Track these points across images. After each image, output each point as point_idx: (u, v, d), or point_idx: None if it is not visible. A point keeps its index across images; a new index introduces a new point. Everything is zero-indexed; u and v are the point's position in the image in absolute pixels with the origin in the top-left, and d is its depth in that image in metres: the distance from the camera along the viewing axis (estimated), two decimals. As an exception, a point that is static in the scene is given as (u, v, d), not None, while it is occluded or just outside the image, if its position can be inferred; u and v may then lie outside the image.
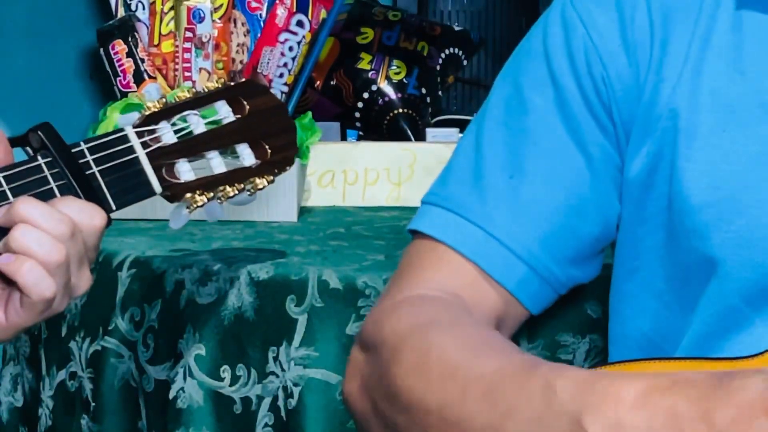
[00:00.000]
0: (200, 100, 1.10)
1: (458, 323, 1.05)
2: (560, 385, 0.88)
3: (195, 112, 1.11)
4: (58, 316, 1.37)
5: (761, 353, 0.90)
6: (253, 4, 1.84)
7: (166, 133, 1.10)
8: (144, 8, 1.85)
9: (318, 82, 2.09)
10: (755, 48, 1.07)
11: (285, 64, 1.88)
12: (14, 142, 1.05)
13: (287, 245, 1.68)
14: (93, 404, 1.63)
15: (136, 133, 1.09)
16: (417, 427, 1.01)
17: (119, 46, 1.83)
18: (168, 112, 1.10)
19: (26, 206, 1.01)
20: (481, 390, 0.95)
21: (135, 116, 1.10)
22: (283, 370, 1.51)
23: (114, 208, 1.07)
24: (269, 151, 1.16)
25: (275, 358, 1.50)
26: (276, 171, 1.17)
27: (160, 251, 1.64)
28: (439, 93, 2.11)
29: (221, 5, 1.81)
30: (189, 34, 1.82)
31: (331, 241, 1.73)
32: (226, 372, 1.50)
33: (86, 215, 1.03)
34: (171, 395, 1.51)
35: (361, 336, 1.11)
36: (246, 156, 1.14)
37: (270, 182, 1.16)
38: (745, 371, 0.87)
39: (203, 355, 1.50)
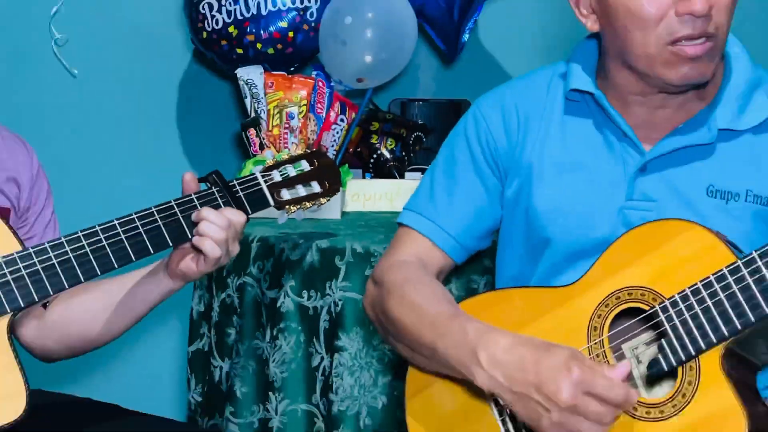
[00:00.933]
0: (293, 159, 1.51)
1: (420, 281, 1.35)
2: (468, 328, 1.22)
3: (290, 165, 1.50)
4: (221, 267, 1.59)
5: (570, 284, 1.28)
6: (318, 109, 2.16)
7: (276, 176, 1.48)
8: (264, 112, 2.15)
9: (351, 149, 2.33)
10: (572, 135, 1.38)
11: (335, 140, 2.22)
12: (200, 180, 1.43)
13: (335, 230, 1.99)
14: (238, 310, 1.97)
15: (261, 175, 1.46)
16: (398, 333, 1.35)
17: (252, 131, 2.13)
18: (277, 165, 1.49)
19: (206, 211, 1.36)
20: (429, 321, 1.27)
21: (260, 167, 1.50)
22: (333, 292, 1.84)
23: (250, 213, 1.42)
24: (327, 184, 1.52)
25: (330, 287, 1.84)
26: (330, 195, 1.53)
27: (272, 233, 1.96)
28: (411, 155, 2.34)
29: (302, 111, 2.12)
30: (286, 125, 2.12)
31: (357, 228, 2.01)
32: (304, 294, 1.86)
33: (236, 216, 1.37)
34: (278, 305, 1.87)
35: (372, 277, 1.44)
36: (315, 187, 1.51)
37: (327, 201, 1.53)
38: (560, 345, 1.16)
39: (294, 285, 1.86)
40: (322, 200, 1.51)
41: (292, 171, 1.48)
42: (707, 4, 1.20)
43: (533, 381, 1.14)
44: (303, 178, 1.49)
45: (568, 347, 1.17)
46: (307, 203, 1.50)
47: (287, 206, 1.48)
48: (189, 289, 2.03)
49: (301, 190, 1.49)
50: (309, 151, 1.52)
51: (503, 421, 1.28)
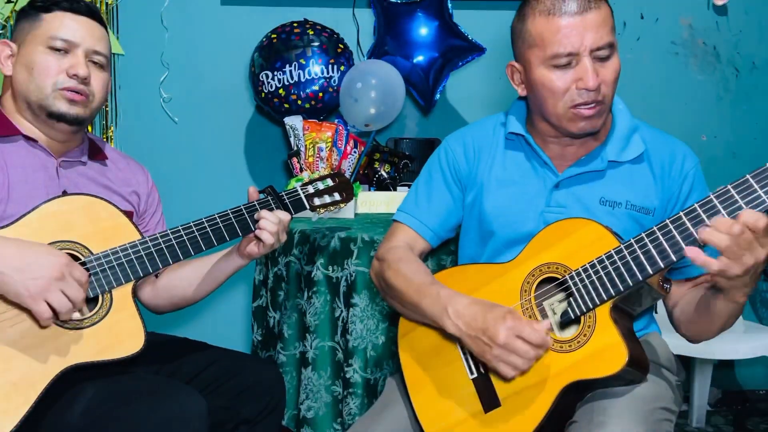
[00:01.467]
0: (321, 177, 1.53)
1: (409, 259, 1.37)
2: (441, 293, 1.25)
3: (320, 182, 1.51)
4: (274, 250, 1.69)
5: (508, 261, 1.29)
6: (339, 144, 2.14)
7: (310, 189, 1.49)
8: (303, 146, 2.14)
9: (361, 171, 2.28)
10: (510, 162, 1.39)
11: (350, 166, 2.19)
12: (260, 192, 1.43)
13: (350, 225, 1.96)
14: (286, 279, 1.95)
15: (300, 188, 1.48)
16: (393, 295, 1.36)
17: (294, 160, 2.13)
18: (311, 181, 1.51)
19: (264, 212, 1.34)
20: (414, 287, 1.29)
21: (300, 183, 1.50)
22: (349, 267, 1.81)
23: (293, 213, 1.44)
24: (345, 194, 1.53)
25: (347, 263, 1.81)
26: (347, 201, 1.55)
27: (308, 227, 1.95)
28: (401, 175, 2.29)
29: (328, 145, 2.10)
30: (318, 155, 2.11)
31: (365, 224, 1.98)
32: (330, 268, 1.83)
33: (284, 215, 1.37)
34: (312, 276, 1.85)
35: (376, 256, 1.44)
36: (337, 196, 1.52)
37: (345, 205, 1.55)
38: (502, 306, 1.17)
39: (323, 262, 1.83)
40: (342, 205, 1.52)
41: (321, 185, 1.49)
42: (597, 82, 1.21)
43: (481, 327, 1.15)
44: (328, 191, 1.50)
45: (507, 306, 1.18)
46: (331, 207, 1.51)
47: (318, 209, 1.49)
48: (252, 265, 2.00)
49: (327, 199, 1.49)
50: (332, 172, 1.54)
51: (463, 353, 1.28)
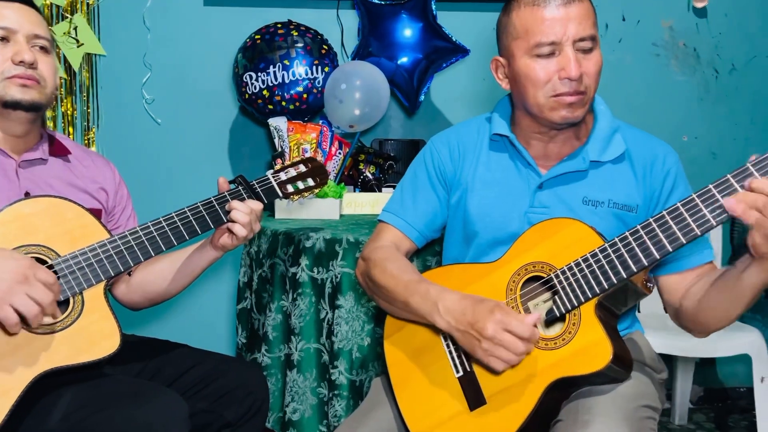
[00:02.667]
0: (293, 164, 1.47)
1: (395, 258, 1.36)
2: (430, 289, 1.24)
3: (292, 168, 1.46)
4: (250, 240, 1.80)
5: (493, 261, 1.29)
6: (323, 146, 2.13)
7: (282, 176, 1.45)
8: (287, 147, 2.12)
9: (346, 172, 2.28)
10: (494, 163, 1.38)
11: (335, 167, 2.18)
12: (230, 182, 1.40)
13: (335, 226, 1.94)
14: (271, 280, 1.90)
15: (272, 176, 1.44)
16: (380, 293, 1.34)
17: (279, 161, 2.10)
18: (283, 168, 1.46)
19: (235, 203, 1.32)
20: (402, 285, 1.28)
21: (271, 171, 1.45)
22: (334, 268, 1.80)
23: (265, 201, 1.40)
24: (318, 179, 1.48)
25: (332, 264, 1.79)
26: (321, 186, 1.48)
27: (293, 228, 1.89)
28: (386, 176, 2.29)
29: (313, 146, 2.09)
30: (301, 156, 1.85)
31: (350, 225, 1.97)
32: (315, 269, 1.81)
33: (256, 204, 1.36)
34: (297, 277, 1.82)
35: (362, 256, 1.42)
36: (310, 182, 1.47)
37: (318, 190, 1.47)
38: (491, 300, 1.16)
39: (308, 263, 1.81)
40: (315, 190, 1.48)
41: (293, 172, 1.45)
42: (579, 72, 1.22)
43: (470, 321, 1.15)
44: (301, 177, 1.45)
45: (495, 300, 1.17)
46: (305, 193, 1.47)
47: (291, 196, 1.45)
48: (236, 267, 2.01)
49: (300, 185, 1.45)
50: (304, 158, 1.49)
51: (449, 352, 1.27)
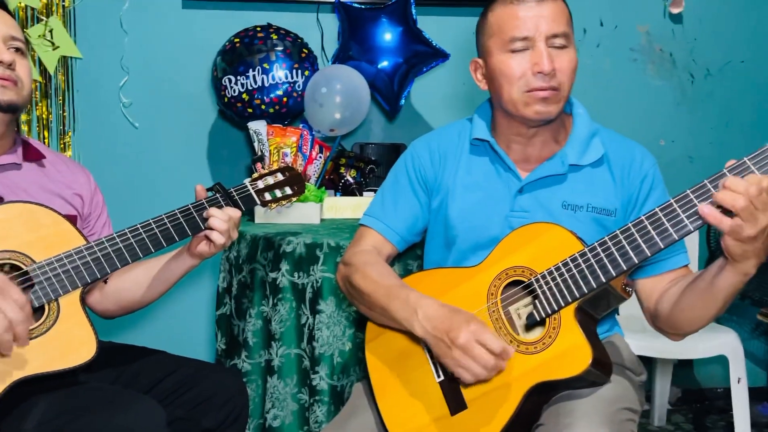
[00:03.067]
0: (271, 172, 1.47)
1: (376, 263, 1.36)
2: (410, 295, 1.24)
3: (270, 176, 1.47)
4: (228, 248, 1.79)
5: (474, 266, 1.29)
6: (304, 150, 2.12)
7: (260, 184, 1.45)
8: (267, 151, 2.10)
9: (327, 176, 2.27)
10: (474, 167, 1.39)
11: (316, 171, 2.17)
12: (208, 189, 1.40)
13: (316, 230, 1.93)
14: (250, 286, 1.88)
15: (250, 184, 1.44)
16: (361, 299, 1.34)
17: (259, 165, 2.08)
18: (261, 176, 1.46)
19: (213, 210, 1.33)
20: (383, 290, 1.28)
21: (249, 179, 1.45)
22: (315, 273, 1.78)
23: (243, 209, 1.41)
24: (296, 188, 1.49)
25: (312, 269, 1.78)
26: (299, 195, 1.49)
27: (273, 233, 1.87)
28: (367, 180, 2.29)
29: (293, 150, 2.08)
30: (282, 161, 2.08)
31: (331, 229, 1.97)
32: (295, 274, 1.79)
33: (234, 212, 1.36)
34: (277, 282, 1.80)
35: (343, 260, 1.42)
36: (288, 191, 1.48)
37: (296, 199, 1.48)
38: (469, 312, 1.17)
39: (288, 268, 1.80)
40: (293, 199, 1.49)
41: (271, 180, 1.46)
42: (552, 66, 1.23)
43: (446, 329, 1.15)
44: (279, 185, 1.46)
45: (471, 313, 1.17)
46: (283, 202, 1.48)
47: (269, 204, 1.46)
48: (215, 272, 2.00)
49: (278, 193, 1.46)
50: (282, 166, 1.50)
51: (430, 357, 1.27)
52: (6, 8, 1.37)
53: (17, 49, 1.34)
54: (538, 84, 1.25)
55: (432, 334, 1.17)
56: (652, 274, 1.29)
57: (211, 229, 1.32)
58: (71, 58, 2.40)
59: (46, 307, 1.23)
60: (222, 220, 1.31)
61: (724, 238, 1.04)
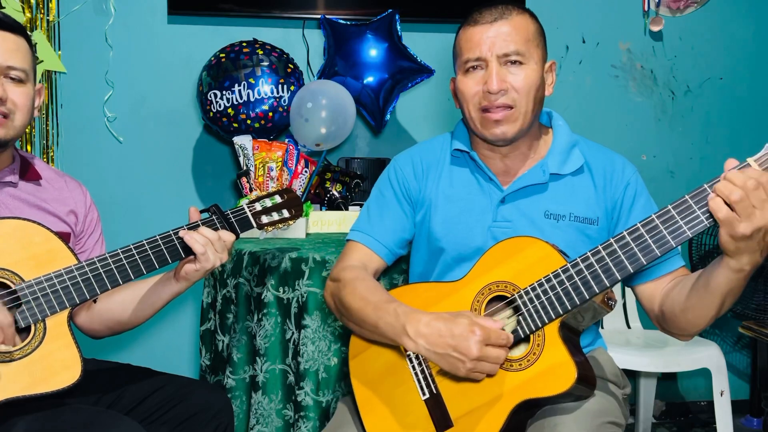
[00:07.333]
0: (269, 194, 1.46)
1: (364, 278, 1.35)
2: (399, 310, 1.22)
3: (267, 198, 1.45)
4: (217, 271, 1.75)
5: (458, 279, 1.28)
6: (289, 164, 2.11)
7: (257, 206, 1.43)
8: (252, 166, 2.10)
9: (312, 191, 2.27)
10: (456, 179, 1.40)
11: (301, 185, 2.16)
12: (203, 210, 1.38)
13: (301, 245, 1.93)
14: (235, 301, 1.89)
15: (247, 206, 1.42)
16: (350, 315, 1.33)
17: (244, 179, 2.09)
18: (258, 198, 1.45)
19: (224, 234, 1.30)
20: (372, 306, 1.27)
21: (246, 201, 1.44)
22: (300, 288, 1.77)
23: (240, 233, 1.38)
24: (293, 211, 1.47)
25: (298, 284, 1.77)
26: (296, 218, 1.48)
27: (258, 248, 1.90)
28: (352, 194, 2.30)
29: (279, 165, 2.07)
30: (268, 175, 2.07)
31: (316, 244, 1.96)
32: (281, 289, 1.79)
33: (228, 236, 1.34)
34: (262, 297, 1.79)
35: (331, 276, 1.42)
36: (285, 213, 1.46)
37: (293, 222, 1.47)
38: (461, 314, 1.16)
39: (273, 283, 1.79)
40: (290, 222, 1.47)
41: (268, 202, 1.44)
42: (499, 87, 1.26)
43: (451, 344, 1.13)
44: (276, 208, 1.44)
45: (466, 314, 1.16)
46: (279, 225, 1.45)
47: (266, 227, 1.43)
48: (200, 287, 1.97)
49: (275, 216, 1.44)
50: (280, 188, 1.49)
51: (415, 374, 1.27)
52: (14, 28, 1.30)
53: (14, 79, 1.30)
54: (488, 101, 1.28)
55: (432, 350, 1.15)
56: (650, 279, 1.29)
57: (200, 253, 1.29)
58: (55, 72, 2.39)
59: (33, 327, 1.21)
60: (199, 242, 1.28)
61: (719, 231, 1.04)
